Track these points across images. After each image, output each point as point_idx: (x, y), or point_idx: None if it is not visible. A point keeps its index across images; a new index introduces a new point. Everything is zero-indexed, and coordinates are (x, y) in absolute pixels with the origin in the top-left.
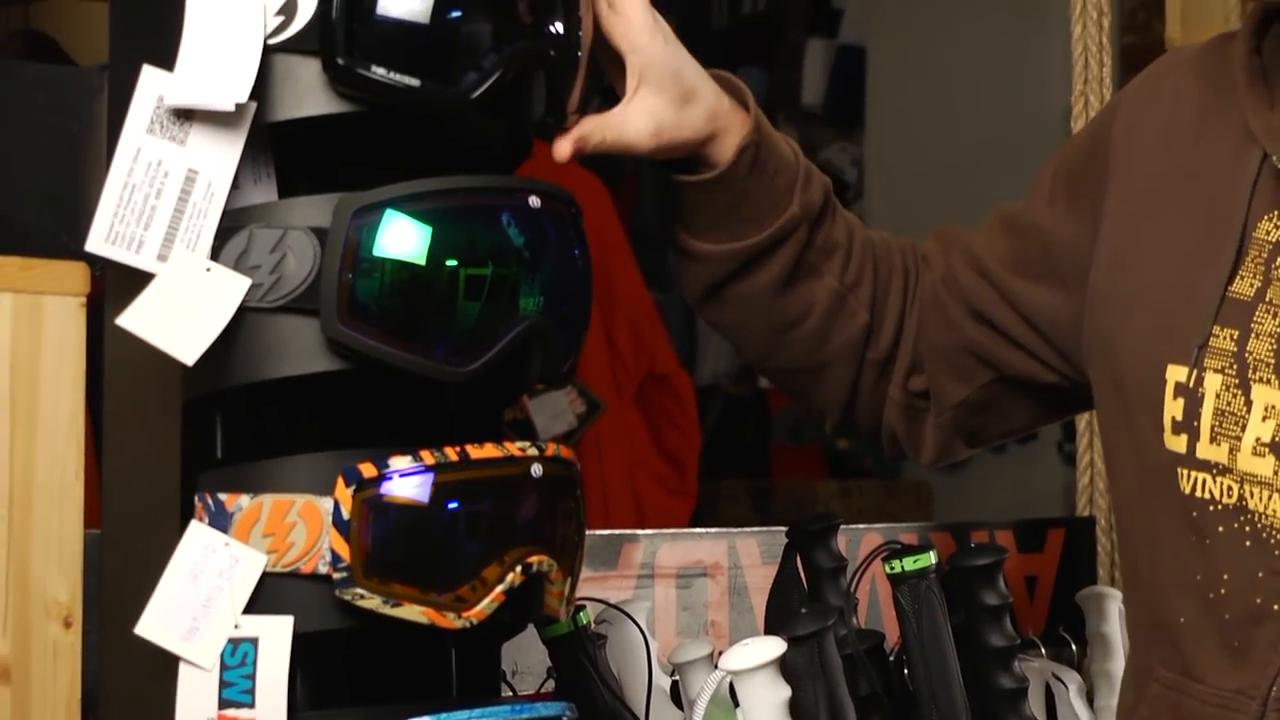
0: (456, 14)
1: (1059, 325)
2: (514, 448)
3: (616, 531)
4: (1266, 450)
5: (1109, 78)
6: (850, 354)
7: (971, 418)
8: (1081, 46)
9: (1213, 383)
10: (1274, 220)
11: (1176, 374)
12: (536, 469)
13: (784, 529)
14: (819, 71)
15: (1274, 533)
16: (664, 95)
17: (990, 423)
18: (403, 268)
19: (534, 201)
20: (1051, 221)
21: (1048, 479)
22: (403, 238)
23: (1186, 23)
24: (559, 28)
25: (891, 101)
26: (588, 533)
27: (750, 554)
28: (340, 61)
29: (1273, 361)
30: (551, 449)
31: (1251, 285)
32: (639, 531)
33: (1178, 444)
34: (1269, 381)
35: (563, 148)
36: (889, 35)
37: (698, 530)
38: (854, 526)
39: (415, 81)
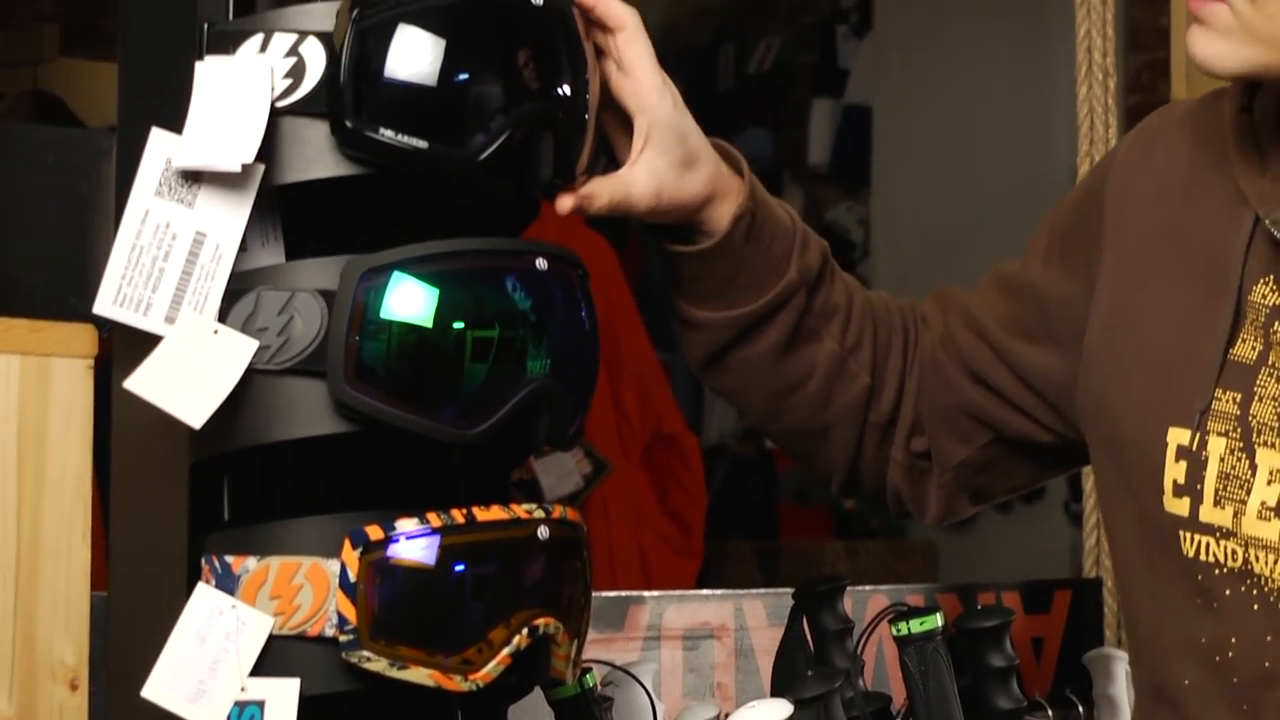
0: (464, 77)
1: (1054, 385)
2: (521, 510)
3: (623, 593)
4: (1272, 514)
5: (1115, 138)
6: (853, 416)
7: (974, 477)
8: (1087, 107)
9: (1216, 446)
10: (1269, 284)
11: (1178, 437)
12: (543, 531)
13: (790, 590)
14: (825, 131)
15: None
16: (668, 157)
17: (993, 482)
18: (410, 330)
19: (541, 264)
20: (1046, 281)
21: (1054, 539)
22: (410, 300)
23: (1191, 83)
24: (566, 90)
25: (898, 161)
26: (594, 594)
27: (757, 615)
28: (348, 124)
29: (1277, 425)
30: (558, 511)
31: (1253, 349)
32: (645, 593)
33: (1179, 507)
34: (1274, 445)
35: (565, 202)
36: (895, 95)
37: (704, 592)
38: (860, 588)
39: (423, 143)
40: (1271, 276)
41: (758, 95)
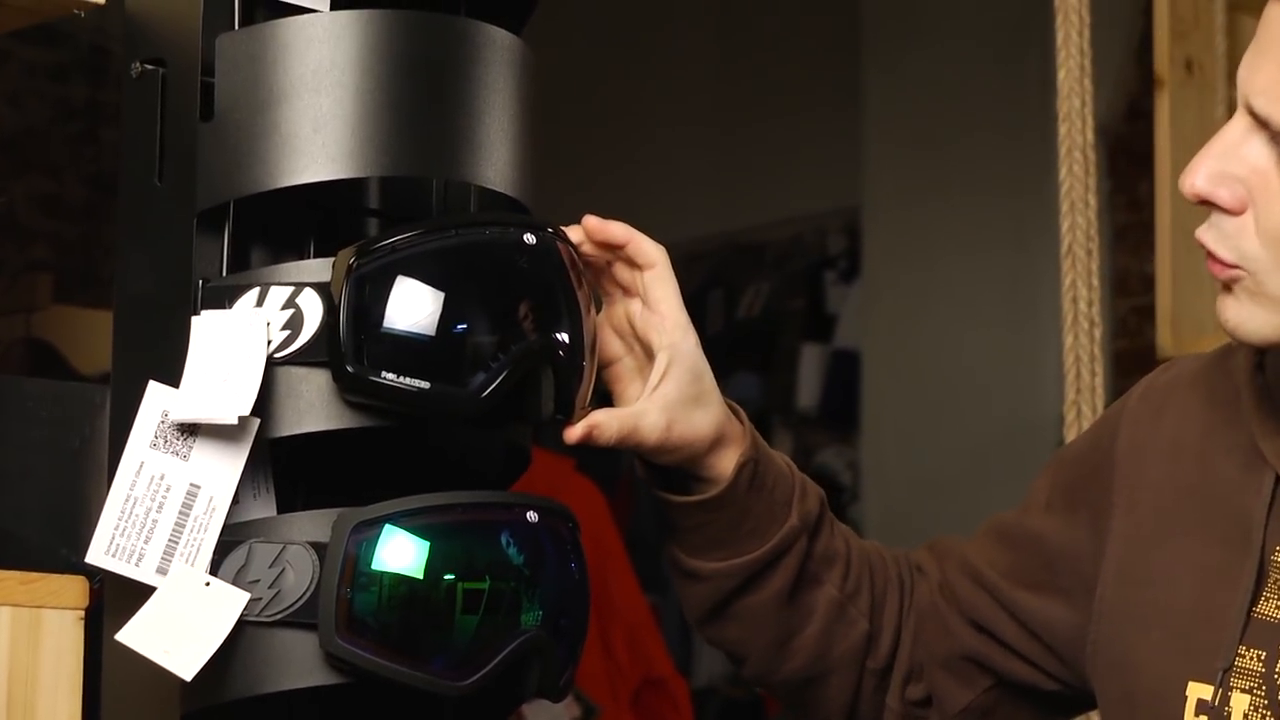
0: (463, 317)
1: (1060, 635)
2: None
3: None
4: None
5: (1101, 386)
6: (852, 663)
7: None
8: (1074, 356)
9: (1240, 703)
10: None
11: (1199, 691)
12: None
13: None
14: (814, 375)
15: None
16: (683, 393)
17: None
18: (401, 582)
19: (532, 517)
20: (1050, 530)
21: None
22: (401, 553)
23: (1177, 329)
24: (565, 326)
25: (886, 406)
26: None
27: None
28: (350, 369)
29: None
30: None
31: (1277, 607)
32: None
33: None
34: None
35: (573, 433)
36: (883, 340)
37: None
38: None
39: (425, 384)
40: None
41: (747, 340)
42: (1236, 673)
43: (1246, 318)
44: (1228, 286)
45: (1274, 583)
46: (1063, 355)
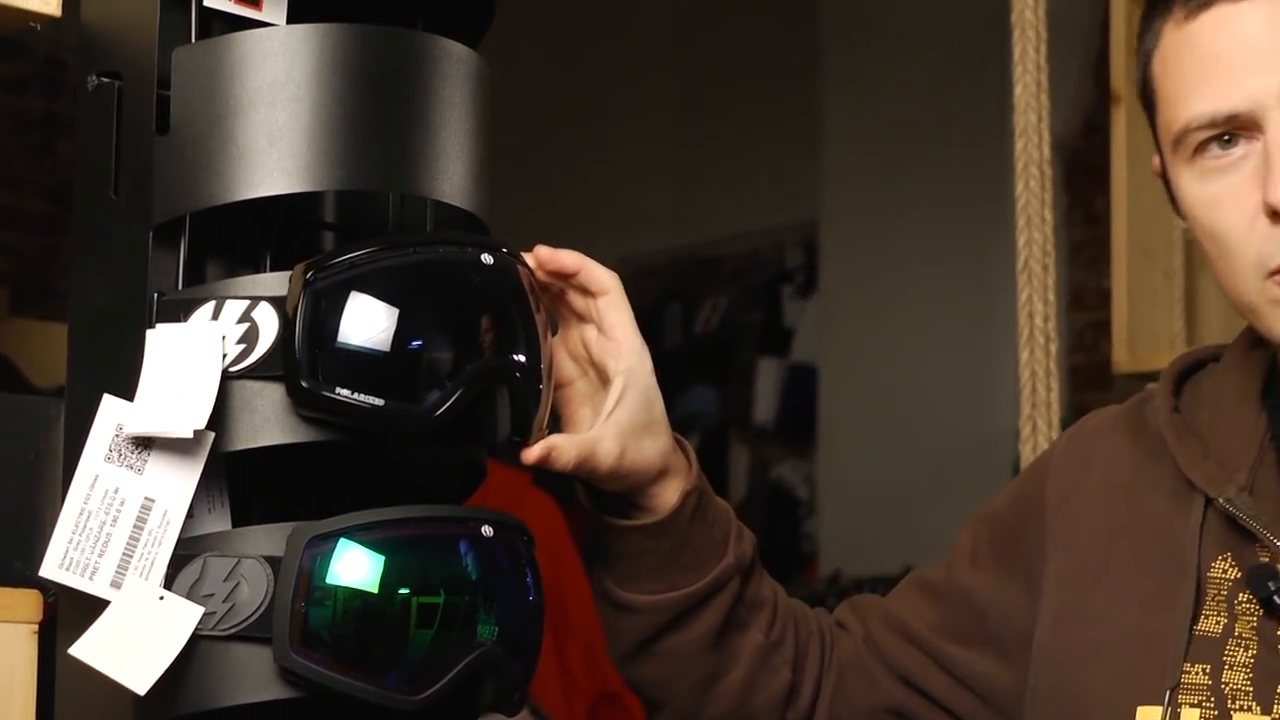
0: (418, 335)
1: (995, 688)
2: None
3: None
4: None
5: (1056, 401)
6: (772, 712)
7: None
8: (1029, 371)
9: (1189, 717)
10: (1228, 560)
11: (1148, 714)
12: None
13: None
14: (771, 390)
15: None
16: (635, 420)
17: None
18: (355, 596)
19: (486, 531)
20: (982, 586)
21: None
22: (355, 567)
23: (1133, 344)
24: (521, 347)
25: (843, 420)
26: None
27: None
28: (304, 384)
29: (1251, 689)
30: None
31: (1218, 623)
32: None
33: None
34: (1250, 709)
35: (531, 454)
36: (840, 354)
37: None
38: None
39: (379, 401)
40: (1230, 553)
41: (704, 354)
42: (1184, 689)
43: None
44: None
45: (1213, 599)
46: (1018, 370)
